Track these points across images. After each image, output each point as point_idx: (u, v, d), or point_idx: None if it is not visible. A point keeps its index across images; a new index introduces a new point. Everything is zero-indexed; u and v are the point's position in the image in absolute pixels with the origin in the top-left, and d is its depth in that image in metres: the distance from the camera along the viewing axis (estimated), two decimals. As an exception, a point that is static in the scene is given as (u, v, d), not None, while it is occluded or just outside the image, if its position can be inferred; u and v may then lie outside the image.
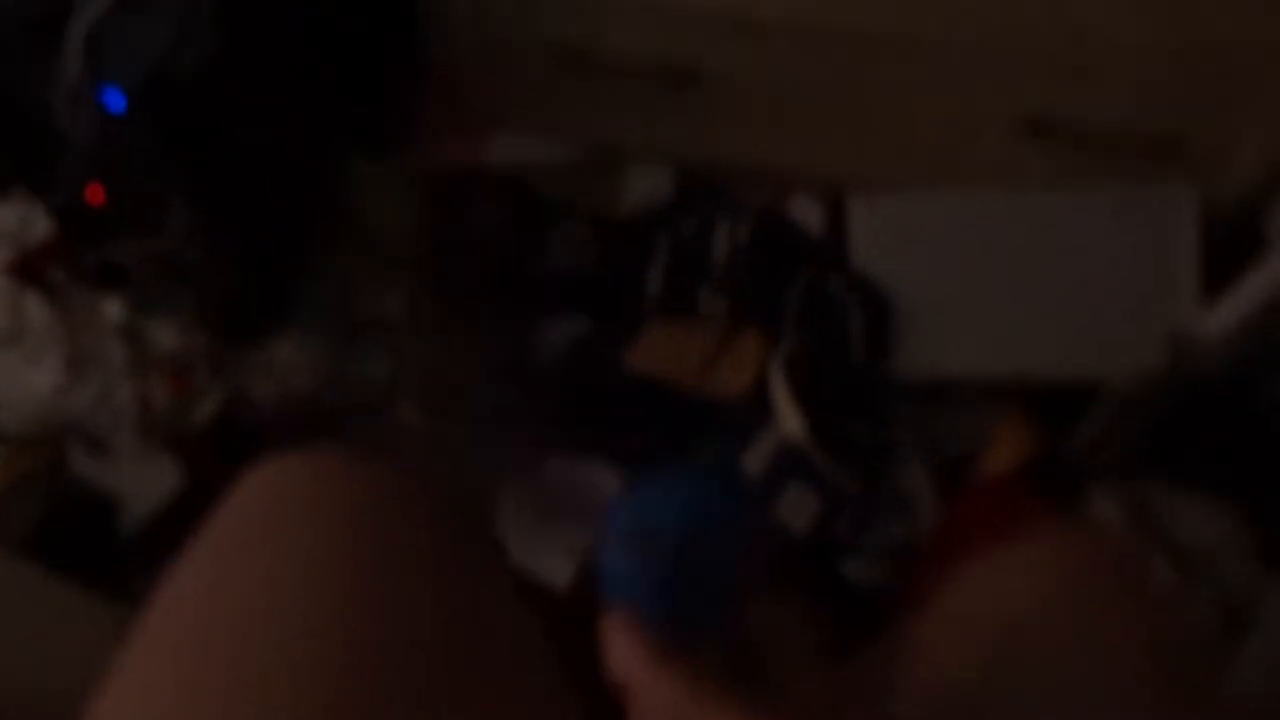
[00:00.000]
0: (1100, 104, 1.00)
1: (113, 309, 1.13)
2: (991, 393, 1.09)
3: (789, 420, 1.03)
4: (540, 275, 1.18)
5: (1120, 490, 1.00)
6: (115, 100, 0.83)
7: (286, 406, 1.10)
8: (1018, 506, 0.99)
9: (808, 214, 1.17)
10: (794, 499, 1.04)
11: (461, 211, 1.17)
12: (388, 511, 0.52)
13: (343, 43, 1.10)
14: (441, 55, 1.14)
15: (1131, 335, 0.98)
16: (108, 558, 1.02)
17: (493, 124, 1.21)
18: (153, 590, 0.50)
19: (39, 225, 1.08)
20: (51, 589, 0.78)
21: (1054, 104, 1.02)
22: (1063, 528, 0.79)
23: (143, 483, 1.07)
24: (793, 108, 1.10)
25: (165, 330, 1.12)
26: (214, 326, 1.12)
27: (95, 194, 0.97)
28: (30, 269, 1.13)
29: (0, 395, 1.07)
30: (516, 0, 1.07)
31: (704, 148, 1.17)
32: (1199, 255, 1.02)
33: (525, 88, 1.15)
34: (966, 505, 1.02)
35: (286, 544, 0.48)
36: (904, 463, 1.07)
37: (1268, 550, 0.95)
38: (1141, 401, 0.92)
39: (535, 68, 1.12)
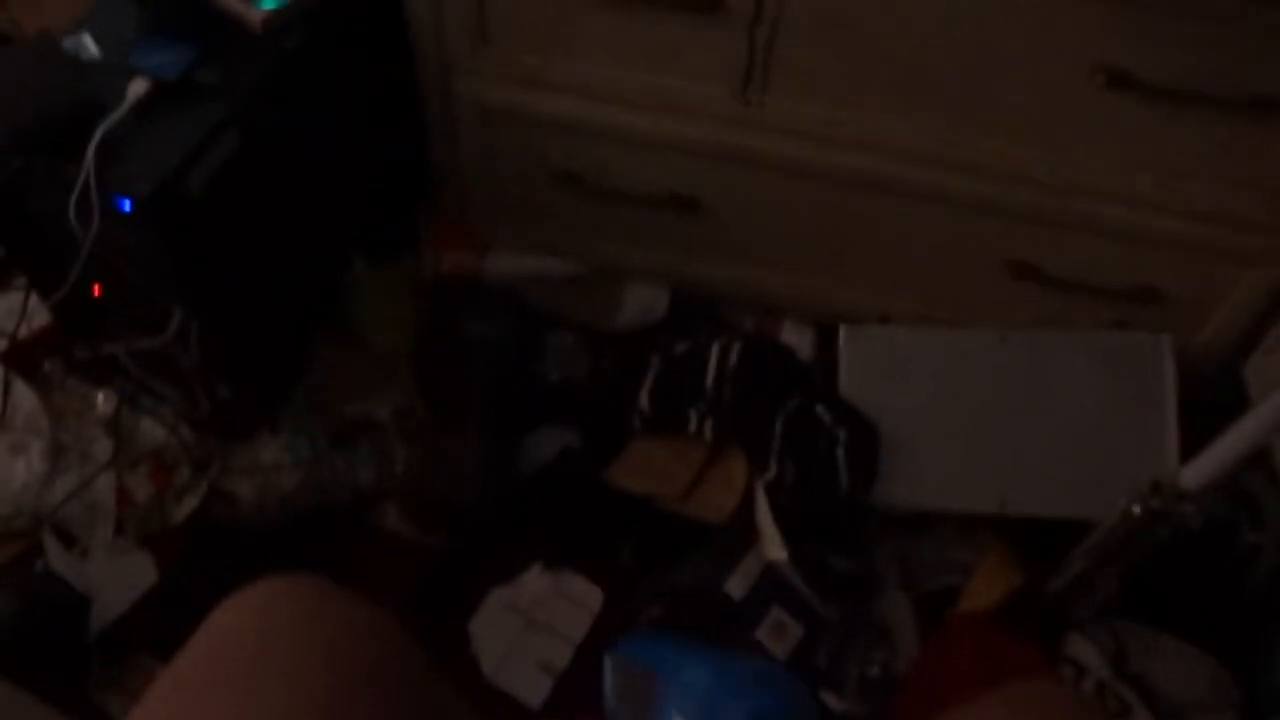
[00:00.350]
0: (1085, 253, 1.04)
1: (102, 402, 1.13)
2: (974, 526, 1.09)
3: (772, 545, 1.03)
4: (532, 386, 1.19)
5: (1099, 633, 1.00)
6: (124, 207, 0.84)
7: (267, 506, 1.10)
8: (997, 645, 0.98)
9: (799, 340, 1.19)
10: (775, 625, 1.04)
11: (457, 320, 1.19)
12: (359, 643, 0.54)
13: (353, 158, 1.13)
14: (447, 171, 1.17)
15: (1112, 479, 0.99)
16: (77, 653, 1.00)
17: (493, 238, 1.24)
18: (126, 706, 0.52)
19: (36, 316, 1.08)
20: (12, 702, 0.76)
21: (1041, 250, 1.05)
22: (1040, 682, 0.78)
23: (117, 579, 1.06)
24: (788, 238, 1.13)
25: (152, 426, 1.12)
26: (202, 424, 1.12)
27: (94, 290, 0.98)
28: (23, 359, 1.13)
29: (-20, 484, 1.06)
30: (522, 129, 1.10)
31: (700, 271, 1.19)
32: (1178, 403, 1.04)
33: (527, 207, 1.18)
34: (946, 640, 1.02)
35: (264, 672, 0.50)
36: (885, 593, 1.07)
37: (1248, 702, 0.95)
38: (1121, 546, 0.93)
39: (537, 190, 1.15)
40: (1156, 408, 1.05)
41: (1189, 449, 1.01)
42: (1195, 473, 0.87)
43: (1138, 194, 0.97)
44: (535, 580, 1.10)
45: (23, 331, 1.06)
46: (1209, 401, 1.05)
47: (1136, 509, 0.89)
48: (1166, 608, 1.02)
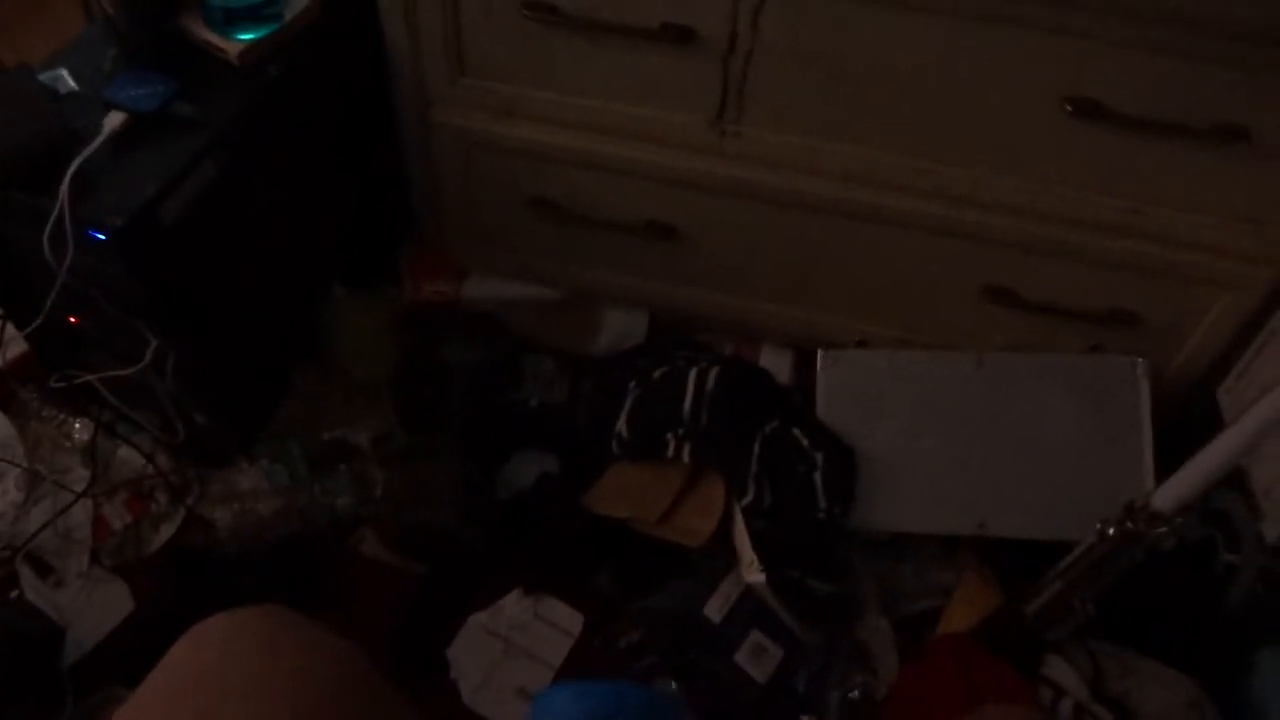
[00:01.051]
0: (1060, 278, 1.05)
1: (79, 430, 1.12)
2: (954, 549, 1.10)
3: (751, 569, 1.03)
4: (510, 411, 1.19)
5: (1077, 655, 1.01)
6: (97, 238, 0.84)
7: (245, 533, 1.09)
8: (976, 667, 0.98)
9: (777, 364, 1.20)
10: (754, 648, 1.04)
11: (435, 345, 1.19)
12: (320, 672, 0.55)
13: (331, 187, 1.13)
14: (426, 199, 1.18)
15: (1089, 500, 1.00)
16: (50, 684, 0.99)
17: (472, 264, 1.24)
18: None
19: (12, 345, 1.08)
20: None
21: (1017, 275, 1.06)
22: (1017, 706, 0.79)
23: (92, 608, 1.05)
24: (765, 264, 1.13)
25: (130, 454, 1.11)
26: (179, 452, 1.11)
27: (70, 320, 0.97)
28: (-1, 387, 1.13)
29: (-45, 514, 1.05)
30: (499, 158, 1.10)
31: (678, 296, 1.20)
32: (1152, 425, 1.05)
33: (505, 234, 1.19)
34: (926, 662, 1.02)
35: (223, 704, 0.51)
36: (865, 616, 1.07)
37: (1223, 724, 0.96)
38: (1097, 568, 0.93)
39: (515, 217, 1.15)
40: (1132, 430, 1.06)
41: (1164, 471, 1.02)
42: (1169, 494, 0.88)
43: (1111, 220, 0.98)
44: (514, 605, 1.10)
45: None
46: (1184, 424, 1.06)
47: (1111, 530, 0.89)
48: (1143, 629, 1.02)
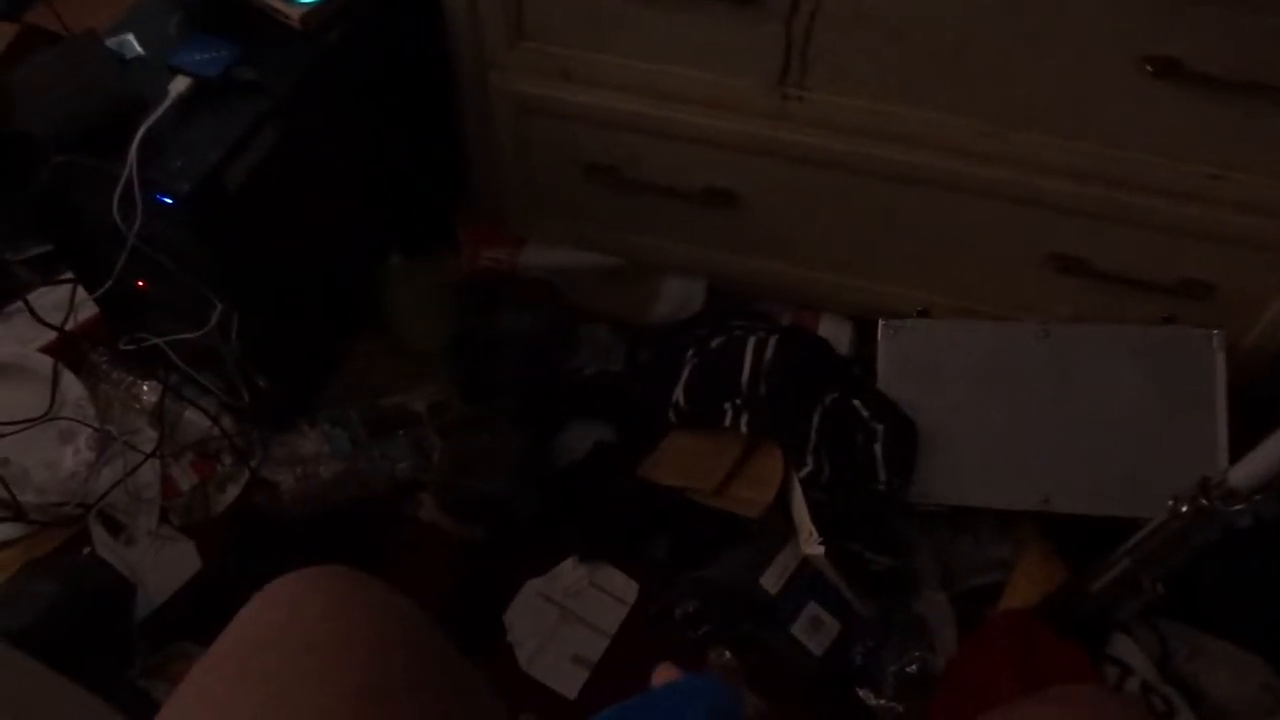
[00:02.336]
0: (1132, 247, 1.01)
1: (147, 393, 1.15)
2: (1014, 522, 1.08)
3: (809, 541, 1.02)
4: (566, 379, 1.19)
5: (1144, 634, 0.98)
6: (165, 202, 0.85)
7: (307, 496, 1.11)
8: (1039, 644, 0.97)
9: (836, 334, 1.18)
10: (811, 620, 1.03)
11: (491, 313, 1.19)
12: (389, 631, 0.55)
13: (389, 153, 1.13)
14: (482, 166, 1.18)
15: (1158, 477, 0.97)
16: (121, 640, 1.02)
17: (528, 232, 1.24)
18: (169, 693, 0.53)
19: (82, 309, 1.10)
20: (57, 690, 0.78)
21: (1086, 244, 1.03)
22: (1085, 684, 0.77)
23: (161, 566, 1.08)
24: (825, 231, 1.11)
25: (195, 416, 1.13)
26: (243, 415, 1.13)
27: (138, 284, 0.99)
28: (71, 350, 1.16)
29: (31, 473, 1.08)
30: (557, 123, 1.09)
31: (736, 264, 1.18)
32: (1228, 400, 1.01)
33: (561, 201, 1.18)
34: (986, 638, 1.00)
35: (296, 662, 0.52)
36: (923, 590, 1.05)
37: (1297, 708, 0.93)
38: (1168, 546, 0.91)
39: (572, 184, 1.15)
40: (1206, 405, 1.02)
41: (1239, 448, 0.99)
42: (1246, 471, 0.85)
43: (1187, 186, 0.95)
44: (570, 572, 1.10)
45: (70, 324, 1.08)
46: (1260, 399, 1.02)
47: (1184, 508, 0.87)
48: (1214, 609, 0.99)
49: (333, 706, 0.48)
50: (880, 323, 1.10)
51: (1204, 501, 0.86)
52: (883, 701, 1.02)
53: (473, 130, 1.14)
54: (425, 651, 0.55)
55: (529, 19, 1.01)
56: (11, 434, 1.09)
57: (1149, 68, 0.86)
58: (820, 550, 1.01)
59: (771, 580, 1.04)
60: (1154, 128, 0.92)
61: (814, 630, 1.03)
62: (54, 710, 0.77)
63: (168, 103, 0.87)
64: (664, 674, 0.62)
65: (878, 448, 1.04)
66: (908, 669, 1.03)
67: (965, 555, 1.08)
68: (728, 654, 1.04)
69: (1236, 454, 0.97)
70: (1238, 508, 0.85)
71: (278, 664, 0.50)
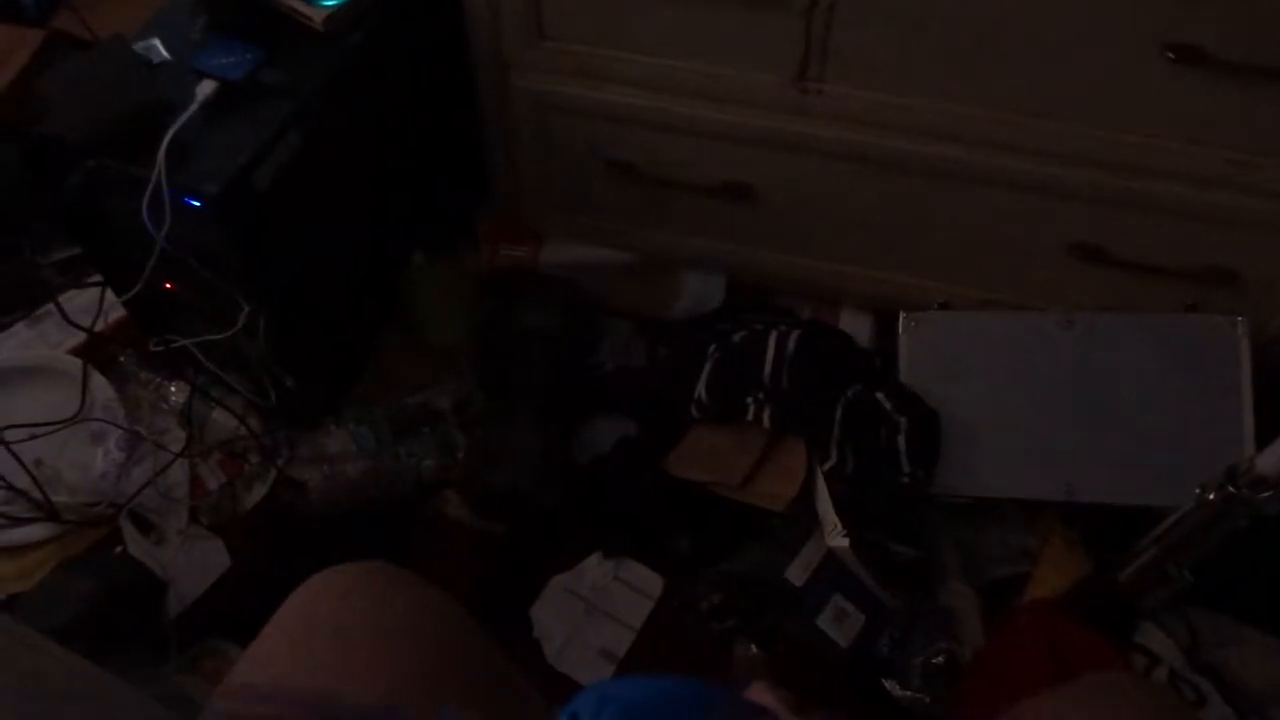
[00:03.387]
0: (1155, 235, 1.01)
1: (175, 393, 1.16)
2: (1038, 513, 1.08)
3: (834, 533, 1.03)
4: (588, 375, 1.19)
5: (1172, 622, 0.98)
6: (193, 204, 0.86)
7: (334, 494, 1.12)
8: (1066, 633, 0.97)
9: (857, 326, 1.18)
10: (836, 612, 1.04)
11: (513, 310, 1.20)
12: (430, 625, 0.56)
13: (411, 153, 1.14)
14: (503, 163, 1.18)
15: (1184, 465, 0.97)
16: (155, 636, 1.03)
17: (548, 229, 1.24)
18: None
19: (111, 310, 1.12)
20: (105, 685, 0.79)
21: (1108, 232, 1.03)
22: (1114, 673, 0.77)
23: (192, 564, 1.10)
24: (845, 225, 1.11)
25: (223, 416, 1.15)
26: (270, 414, 1.14)
27: (166, 286, 1.00)
28: (100, 352, 1.17)
29: (63, 474, 1.10)
30: (577, 121, 1.10)
31: (756, 258, 1.19)
32: (1253, 387, 1.01)
33: (582, 198, 1.19)
34: (1013, 628, 1.00)
35: (341, 656, 0.53)
36: (949, 581, 1.05)
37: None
38: (1195, 534, 0.90)
39: (592, 181, 1.15)
40: (1231, 392, 1.02)
41: (1265, 435, 0.98)
42: (1273, 458, 0.85)
43: (1210, 172, 0.94)
44: (595, 567, 1.11)
45: (99, 326, 1.10)
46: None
47: (1212, 495, 0.86)
48: (1242, 597, 0.99)
49: (377, 696, 0.49)
50: (901, 315, 1.10)
51: (1231, 489, 0.85)
52: (909, 693, 1.02)
53: (493, 129, 1.15)
54: (464, 642, 0.55)
55: (548, 18, 1.01)
56: (44, 435, 1.11)
57: (1170, 54, 0.86)
58: (845, 543, 1.01)
59: (797, 573, 1.04)
60: (1176, 115, 0.92)
61: (840, 622, 1.04)
62: (106, 704, 0.78)
63: (195, 106, 0.88)
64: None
65: (901, 440, 1.04)
66: (934, 660, 1.03)
67: (990, 546, 1.08)
68: (753, 647, 1.05)
69: (1263, 441, 0.97)
70: (1265, 494, 0.85)
71: (321, 656, 0.50)
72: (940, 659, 1.03)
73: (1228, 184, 0.95)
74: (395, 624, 0.53)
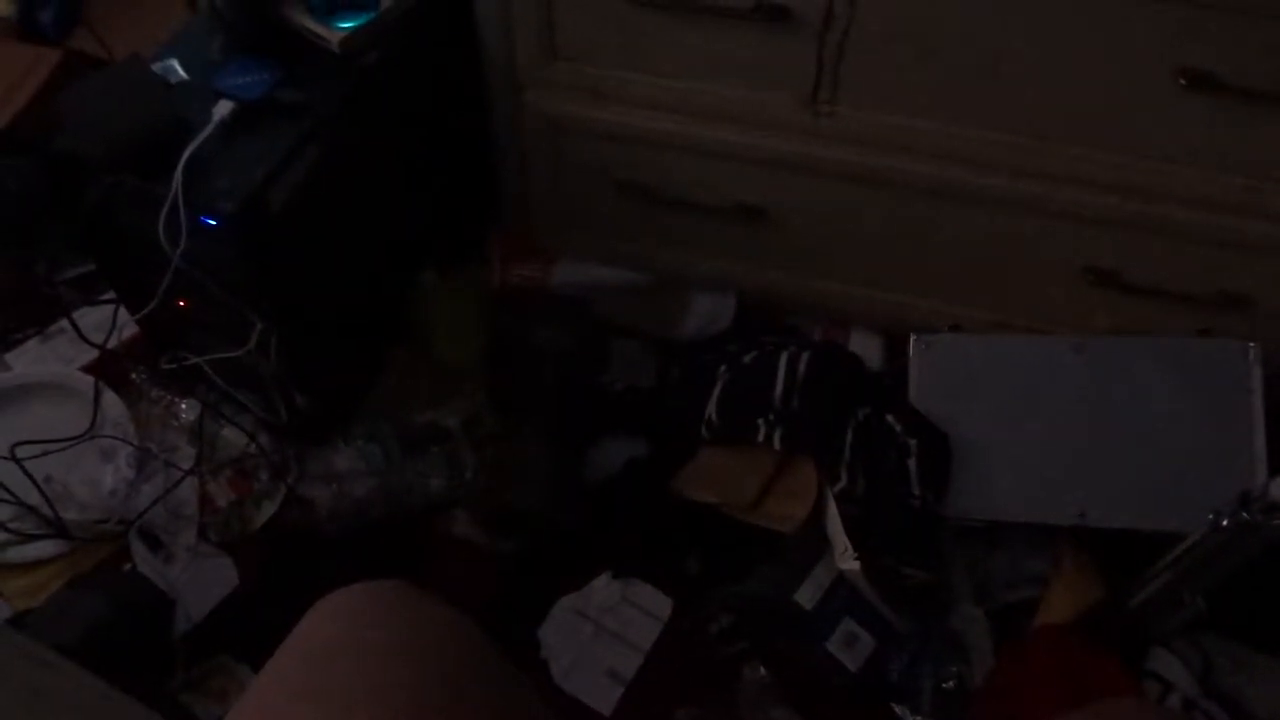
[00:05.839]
0: (1168, 259, 1.01)
1: (185, 410, 1.16)
2: (1050, 537, 1.07)
3: (845, 556, 1.02)
4: (599, 394, 1.19)
5: (1185, 649, 0.97)
6: (209, 223, 0.87)
7: (342, 512, 1.12)
8: (1078, 659, 0.96)
9: (867, 348, 1.18)
10: (846, 636, 1.03)
11: (525, 329, 1.20)
12: (445, 645, 0.56)
13: (424, 171, 1.15)
14: (515, 183, 1.19)
15: (1196, 490, 0.97)
16: (161, 654, 1.03)
17: (560, 248, 1.25)
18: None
19: (124, 327, 1.12)
20: (113, 702, 0.79)
21: (1121, 256, 1.03)
22: (1127, 699, 0.77)
23: (200, 582, 1.09)
24: (857, 247, 1.12)
25: (233, 433, 1.15)
26: (280, 432, 1.15)
27: (180, 303, 1.01)
28: (111, 368, 1.18)
29: (73, 490, 1.10)
30: (589, 141, 1.11)
31: (767, 279, 1.19)
32: (1265, 413, 1.00)
33: (593, 217, 1.19)
34: (1024, 653, 1.00)
35: (355, 678, 0.52)
36: (959, 605, 1.05)
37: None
38: (1209, 560, 0.90)
39: (604, 201, 1.16)
40: (1243, 417, 1.01)
41: (1277, 460, 0.98)
42: (1286, 482, 0.85)
43: (1225, 198, 0.95)
44: (604, 588, 1.10)
45: (111, 343, 1.10)
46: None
47: (1226, 521, 0.86)
48: (1257, 623, 0.98)
49: (393, 717, 0.48)
50: (912, 337, 1.10)
51: (1245, 515, 0.85)
52: (919, 718, 1.02)
53: (506, 148, 1.15)
54: (479, 662, 0.55)
55: (562, 39, 1.02)
56: (54, 452, 1.11)
57: (1183, 81, 0.86)
58: (856, 565, 1.01)
59: (807, 595, 1.03)
60: (1189, 140, 0.92)
61: (850, 645, 1.03)
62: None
63: (212, 125, 0.89)
64: None
65: (911, 462, 1.04)
66: (944, 685, 1.02)
67: (1001, 570, 1.07)
68: (763, 670, 1.04)
69: (1275, 466, 0.97)
70: (1279, 521, 0.85)
71: (338, 677, 0.50)
72: (951, 684, 1.02)
73: (1242, 209, 0.95)
74: (408, 644, 0.53)
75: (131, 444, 1.14)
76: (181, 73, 0.95)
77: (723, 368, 1.13)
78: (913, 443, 1.05)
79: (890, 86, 0.96)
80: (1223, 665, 0.96)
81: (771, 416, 1.07)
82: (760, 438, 1.07)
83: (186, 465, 1.14)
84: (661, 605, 1.10)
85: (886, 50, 0.92)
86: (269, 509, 1.14)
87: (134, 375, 1.19)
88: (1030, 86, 0.92)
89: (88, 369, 1.19)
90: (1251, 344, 1.02)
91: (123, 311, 1.10)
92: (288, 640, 0.54)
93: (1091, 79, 0.90)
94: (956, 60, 0.92)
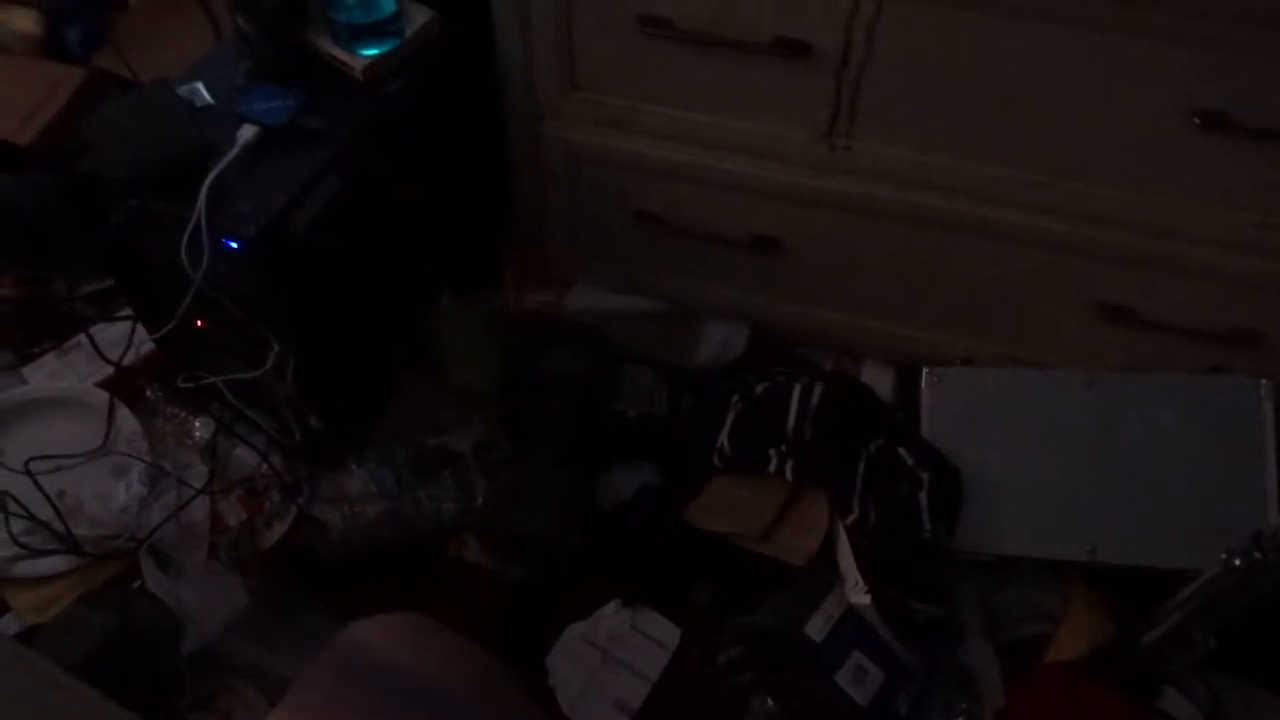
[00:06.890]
0: (1180, 296, 1.02)
1: (199, 429, 1.17)
2: (1060, 573, 1.07)
3: (855, 589, 1.02)
4: (612, 421, 1.19)
5: (1195, 688, 0.97)
6: (231, 246, 0.88)
7: (353, 535, 1.12)
8: (1087, 697, 0.96)
9: (879, 380, 1.18)
10: (855, 669, 1.03)
11: (539, 354, 1.20)
12: (467, 672, 0.57)
13: (442, 198, 1.16)
14: (532, 210, 1.20)
15: (1208, 528, 0.97)
16: (169, 672, 1.03)
17: (575, 275, 1.26)
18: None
19: (140, 345, 1.13)
20: (115, 717, 0.79)
21: (1133, 293, 1.03)
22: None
23: (209, 601, 1.09)
24: (871, 279, 1.12)
25: (245, 453, 1.15)
26: (292, 453, 1.15)
27: (197, 324, 1.02)
28: (127, 385, 1.18)
29: (85, 506, 1.10)
30: (607, 171, 1.12)
31: (780, 310, 1.20)
32: (1275, 450, 1.00)
33: (608, 245, 1.20)
34: (1034, 690, 0.99)
35: (383, 694, 0.53)
36: (969, 640, 1.04)
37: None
38: (1220, 599, 0.90)
39: (619, 229, 1.17)
40: (1255, 454, 1.02)
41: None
42: (1298, 522, 0.85)
43: (1236, 235, 0.95)
44: (613, 616, 1.10)
45: (128, 360, 1.11)
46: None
47: (1238, 560, 0.86)
48: (1267, 663, 0.98)
49: None
50: (924, 370, 1.11)
51: (1257, 554, 0.85)
52: (929, 753, 1.01)
53: (524, 176, 1.16)
54: (503, 689, 0.55)
55: (581, 70, 1.04)
56: (68, 467, 1.12)
57: (1196, 120, 0.87)
58: (867, 599, 1.00)
59: (816, 627, 1.03)
60: (1202, 178, 0.93)
61: (859, 679, 1.02)
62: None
63: (236, 150, 0.90)
64: None
65: (923, 496, 1.04)
66: (953, 720, 1.02)
67: (1011, 605, 1.07)
68: (770, 701, 1.04)
69: (1290, 507, 0.97)
70: (1291, 561, 0.84)
71: (360, 711, 0.50)
72: (960, 719, 1.02)
73: (1253, 247, 0.96)
74: (430, 676, 0.53)
75: (144, 461, 1.15)
76: (207, 96, 0.96)
77: (735, 397, 1.14)
78: (924, 476, 1.05)
79: (905, 122, 0.97)
80: (1232, 705, 0.96)
81: (784, 447, 1.07)
82: (772, 468, 1.07)
83: (199, 483, 1.14)
84: (670, 634, 1.09)
85: (902, 86, 0.93)
86: (279, 530, 1.14)
87: (149, 392, 1.20)
88: (1044, 123, 0.93)
89: (103, 385, 1.20)
90: (1263, 381, 1.02)
91: (139, 328, 1.11)
92: (308, 672, 0.54)
93: (1105, 116, 0.91)
94: (971, 97, 0.93)
